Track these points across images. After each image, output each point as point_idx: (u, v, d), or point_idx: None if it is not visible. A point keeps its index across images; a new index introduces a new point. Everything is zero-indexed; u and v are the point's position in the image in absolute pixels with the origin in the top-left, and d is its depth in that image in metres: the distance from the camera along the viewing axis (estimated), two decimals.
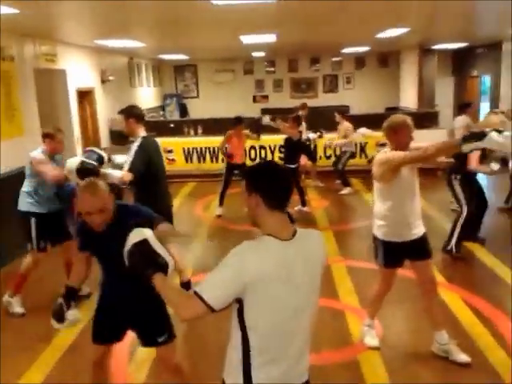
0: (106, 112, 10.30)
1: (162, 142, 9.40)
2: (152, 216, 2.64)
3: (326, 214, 7.89)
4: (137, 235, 2.04)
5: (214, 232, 7.10)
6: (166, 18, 6.62)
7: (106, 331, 2.83)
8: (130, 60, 12.11)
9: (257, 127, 8.64)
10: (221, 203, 7.75)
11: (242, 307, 1.79)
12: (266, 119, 8.17)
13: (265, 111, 15.25)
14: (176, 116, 15.04)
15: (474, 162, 5.38)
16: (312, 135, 9.13)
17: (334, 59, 16.08)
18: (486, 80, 13.40)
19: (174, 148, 10.53)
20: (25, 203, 4.60)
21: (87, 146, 9.42)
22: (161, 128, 10.94)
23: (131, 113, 4.26)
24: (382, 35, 9.46)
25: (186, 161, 10.67)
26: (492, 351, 3.72)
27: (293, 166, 7.84)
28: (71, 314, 2.63)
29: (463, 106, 7.24)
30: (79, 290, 2.94)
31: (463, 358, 3.56)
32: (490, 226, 6.43)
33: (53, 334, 4.19)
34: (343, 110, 10.13)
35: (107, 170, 3.98)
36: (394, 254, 3.53)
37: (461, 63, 14.58)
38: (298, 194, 7.95)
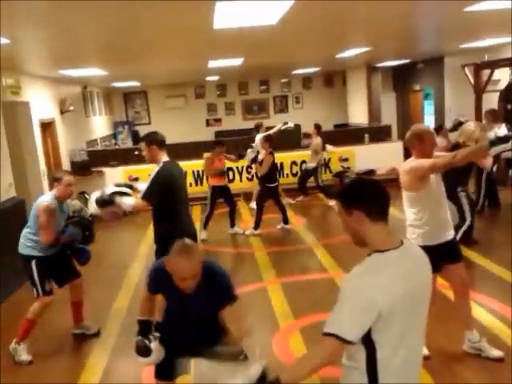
0: (66, 143, 10.00)
1: (126, 170, 9.29)
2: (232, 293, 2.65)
3: (308, 229, 8.01)
4: (252, 371, 1.85)
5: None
6: (139, 43, 6.57)
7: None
8: (83, 89, 11.83)
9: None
10: (205, 227, 7.67)
11: (369, 331, 1.75)
12: (251, 155, 8.22)
13: (218, 134, 15.38)
14: (129, 143, 14.78)
15: (487, 162, 5.81)
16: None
17: (282, 80, 16.48)
18: (429, 94, 14.16)
19: (140, 175, 10.28)
20: (25, 246, 4.40)
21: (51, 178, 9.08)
22: (126, 156, 10.77)
23: (153, 139, 4.13)
24: (341, 55, 9.84)
25: None
26: None
27: (272, 185, 7.95)
28: (155, 346, 2.53)
29: (436, 128, 7.97)
30: (152, 321, 2.82)
31: (496, 353, 3.75)
32: None
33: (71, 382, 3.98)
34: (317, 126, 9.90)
35: (122, 199, 3.91)
36: (432, 258, 3.58)
37: (402, 79, 15.38)
38: (279, 212, 8.07)
